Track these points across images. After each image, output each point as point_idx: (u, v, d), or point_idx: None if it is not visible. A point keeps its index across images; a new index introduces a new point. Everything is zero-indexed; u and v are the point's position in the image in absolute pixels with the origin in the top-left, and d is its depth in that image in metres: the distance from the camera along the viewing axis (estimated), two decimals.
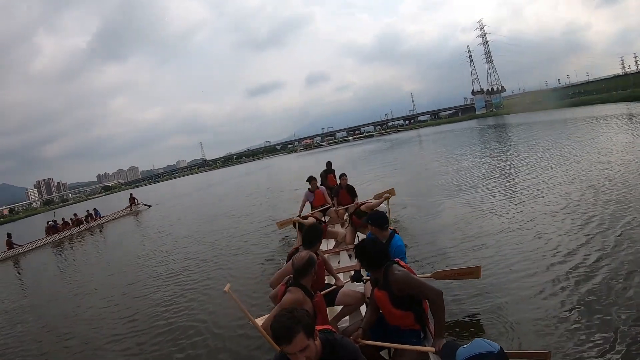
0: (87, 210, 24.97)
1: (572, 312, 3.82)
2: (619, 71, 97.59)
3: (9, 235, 19.30)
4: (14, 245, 18.97)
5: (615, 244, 5.18)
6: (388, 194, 7.63)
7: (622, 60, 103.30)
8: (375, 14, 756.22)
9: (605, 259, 4.81)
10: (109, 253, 13.88)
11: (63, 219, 23.37)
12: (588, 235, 5.67)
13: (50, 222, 22.24)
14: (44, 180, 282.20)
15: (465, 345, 1.72)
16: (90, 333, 6.06)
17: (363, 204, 7.01)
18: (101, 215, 24.96)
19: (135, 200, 28.23)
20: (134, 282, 8.47)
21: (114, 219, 25.24)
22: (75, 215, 23.65)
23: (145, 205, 27.98)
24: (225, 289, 2.83)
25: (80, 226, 22.75)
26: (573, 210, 6.94)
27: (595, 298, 3.98)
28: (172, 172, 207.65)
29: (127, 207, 27.50)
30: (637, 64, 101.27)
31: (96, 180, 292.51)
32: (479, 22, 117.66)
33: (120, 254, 12.57)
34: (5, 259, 17.86)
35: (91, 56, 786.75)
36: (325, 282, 4.17)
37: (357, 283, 4.28)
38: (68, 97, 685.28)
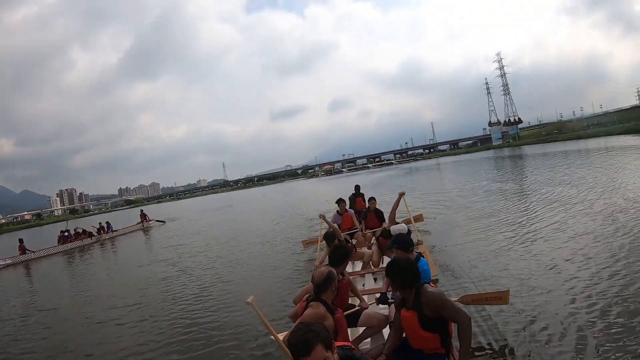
0: (100, 223, 25.75)
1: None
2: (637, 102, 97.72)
3: (20, 241, 20.33)
4: (27, 251, 19.89)
5: None
6: (416, 219, 7.60)
7: (639, 91, 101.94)
8: (399, 42, 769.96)
9: None
10: (121, 264, 14.39)
11: (75, 229, 24.29)
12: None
13: (63, 232, 23.02)
14: (66, 189, 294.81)
15: None
16: (101, 337, 6.25)
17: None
18: (113, 229, 25.64)
19: (147, 217, 29.16)
20: (148, 288, 9.03)
21: (125, 234, 25.99)
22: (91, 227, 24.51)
23: (157, 221, 28.97)
24: (249, 300, 2.90)
25: (92, 237, 23.53)
26: (598, 234, 7.21)
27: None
28: (193, 191, 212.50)
29: (138, 223, 28.40)
30: None
31: (117, 193, 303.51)
32: (497, 54, 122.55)
33: (133, 265, 13.01)
34: (17, 263, 18.75)
35: (122, 72, 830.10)
36: (349, 303, 4.23)
37: (382, 305, 4.35)
38: (97, 111, 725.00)
